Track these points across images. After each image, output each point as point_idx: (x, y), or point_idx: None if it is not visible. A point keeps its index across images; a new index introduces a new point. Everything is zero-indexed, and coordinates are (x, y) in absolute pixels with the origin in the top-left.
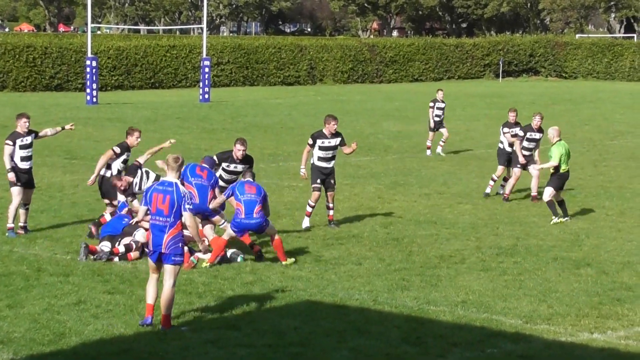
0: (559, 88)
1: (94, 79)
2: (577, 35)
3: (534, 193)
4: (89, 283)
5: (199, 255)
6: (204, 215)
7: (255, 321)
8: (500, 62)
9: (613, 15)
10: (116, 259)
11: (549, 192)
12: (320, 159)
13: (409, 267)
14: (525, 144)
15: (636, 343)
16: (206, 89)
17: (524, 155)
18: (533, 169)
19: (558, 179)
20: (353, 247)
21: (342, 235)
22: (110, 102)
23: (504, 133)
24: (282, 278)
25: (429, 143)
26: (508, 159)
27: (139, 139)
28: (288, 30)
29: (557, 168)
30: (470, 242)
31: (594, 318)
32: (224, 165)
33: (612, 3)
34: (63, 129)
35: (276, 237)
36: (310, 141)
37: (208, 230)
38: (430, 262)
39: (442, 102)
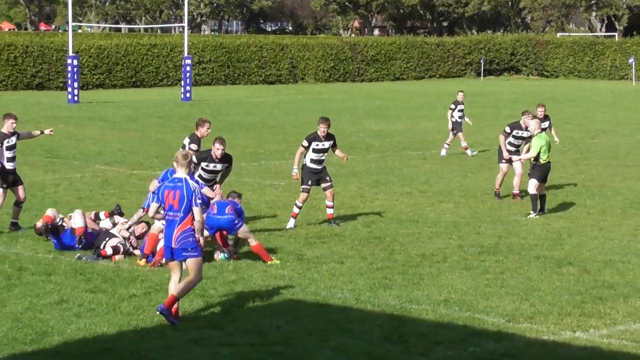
0: (540, 87)
1: (75, 77)
2: (559, 34)
3: (515, 191)
4: (71, 282)
5: None
6: None
7: (238, 320)
8: (482, 61)
9: (594, 13)
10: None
11: (533, 184)
12: (312, 160)
13: (391, 265)
14: (512, 140)
15: (618, 341)
16: (187, 88)
17: (509, 152)
18: (515, 162)
19: (540, 170)
20: (335, 246)
21: (324, 234)
22: (92, 101)
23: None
24: (265, 277)
25: (457, 142)
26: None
27: (209, 130)
28: (269, 29)
29: (537, 159)
30: (452, 240)
31: (576, 316)
32: (203, 164)
33: (592, 2)
34: (42, 133)
35: (254, 242)
36: (305, 143)
37: None
38: (413, 261)
39: (462, 103)
